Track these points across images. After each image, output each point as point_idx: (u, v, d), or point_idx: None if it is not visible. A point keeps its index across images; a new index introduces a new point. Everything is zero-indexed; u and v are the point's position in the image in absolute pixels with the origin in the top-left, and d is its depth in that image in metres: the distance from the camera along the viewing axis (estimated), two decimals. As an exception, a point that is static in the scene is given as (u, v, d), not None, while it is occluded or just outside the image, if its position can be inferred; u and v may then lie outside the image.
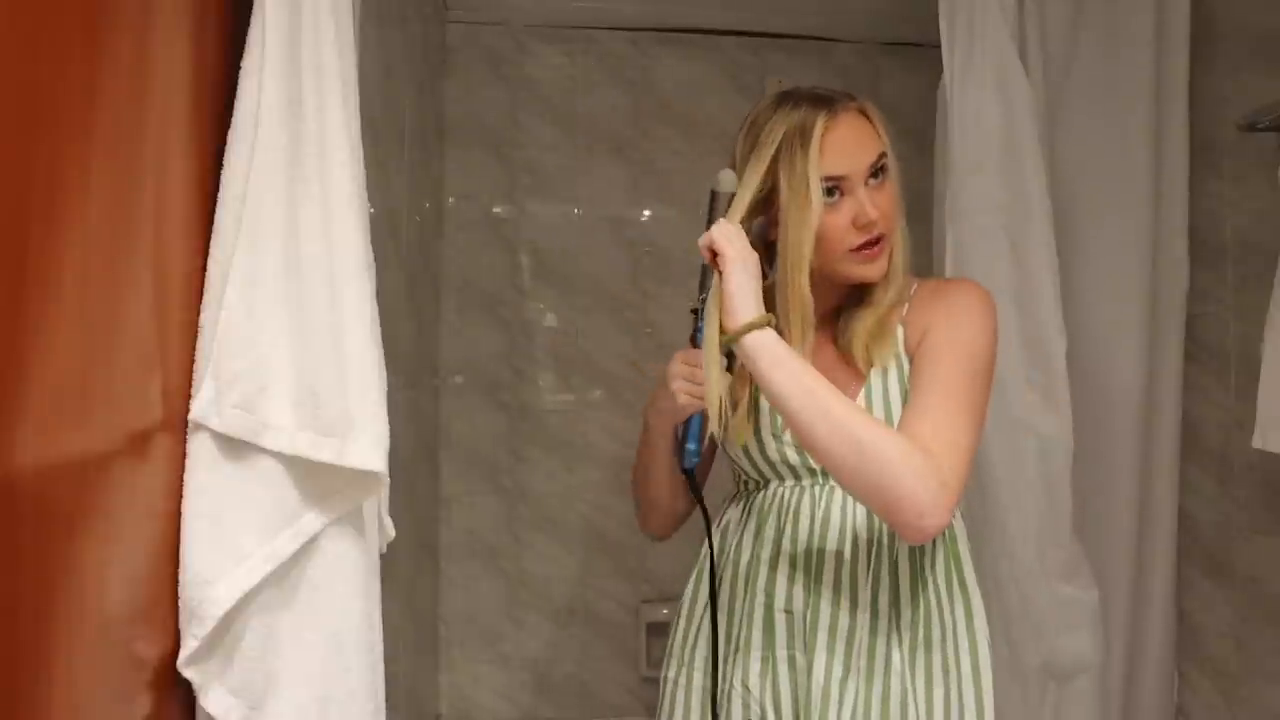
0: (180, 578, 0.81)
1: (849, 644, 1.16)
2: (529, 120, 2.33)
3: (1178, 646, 1.86)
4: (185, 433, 0.83)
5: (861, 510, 1.19)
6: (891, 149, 1.17)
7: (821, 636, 1.17)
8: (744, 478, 1.28)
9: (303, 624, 0.85)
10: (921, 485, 1.02)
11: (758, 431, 1.23)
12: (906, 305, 1.21)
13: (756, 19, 2.33)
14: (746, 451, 1.24)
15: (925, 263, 1.58)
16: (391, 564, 1.29)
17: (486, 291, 2.31)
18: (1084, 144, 1.75)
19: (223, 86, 0.89)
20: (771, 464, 1.22)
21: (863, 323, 1.19)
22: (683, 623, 1.29)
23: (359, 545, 0.90)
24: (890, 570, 1.18)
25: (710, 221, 1.14)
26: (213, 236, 0.85)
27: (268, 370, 0.83)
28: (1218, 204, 1.85)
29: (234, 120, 0.86)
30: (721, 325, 1.09)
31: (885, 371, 1.18)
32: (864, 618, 1.17)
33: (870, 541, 1.18)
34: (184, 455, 0.83)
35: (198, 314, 0.85)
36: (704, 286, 1.15)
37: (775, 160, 1.13)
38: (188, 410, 0.83)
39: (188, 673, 0.82)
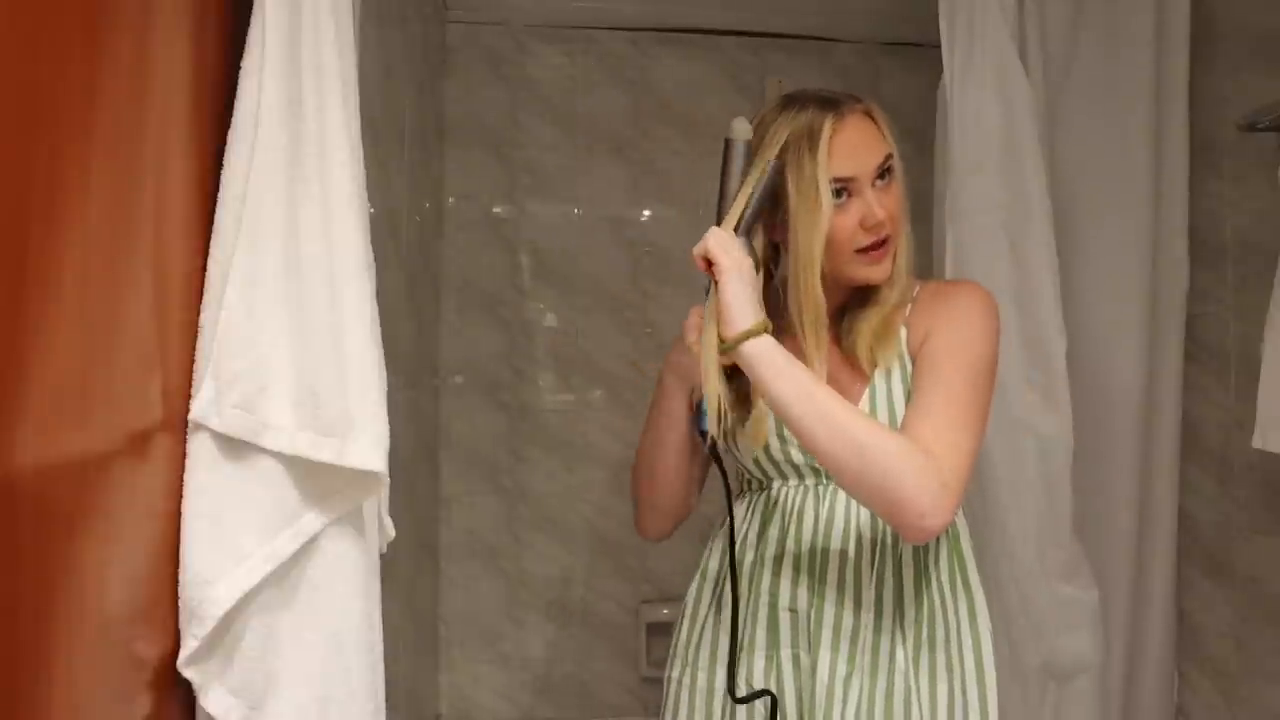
0: (180, 578, 0.81)
1: (853, 643, 1.17)
2: (529, 120, 2.33)
3: (1178, 646, 1.86)
4: (185, 433, 0.83)
5: (865, 510, 1.19)
6: (897, 150, 1.17)
7: (826, 635, 1.17)
8: (748, 478, 1.28)
9: (303, 624, 0.85)
10: (922, 487, 1.03)
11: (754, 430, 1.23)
12: (909, 306, 1.22)
13: (756, 19, 2.33)
14: (751, 452, 1.23)
15: (925, 263, 1.58)
16: (391, 564, 1.29)
17: (486, 291, 2.31)
18: (1084, 144, 1.75)
19: (223, 86, 0.89)
20: (776, 464, 1.22)
21: (867, 324, 1.19)
22: (686, 622, 1.29)
23: (359, 545, 0.90)
24: (894, 569, 1.18)
25: (725, 171, 1.13)
26: (213, 236, 0.85)
27: (268, 370, 0.83)
28: (1218, 204, 1.85)
29: (234, 120, 0.86)
30: (720, 333, 1.09)
31: (889, 373, 1.18)
32: (868, 616, 1.17)
33: (874, 540, 1.18)
34: (184, 455, 0.83)
35: (198, 314, 0.85)
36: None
37: (782, 163, 1.13)
38: (188, 410, 0.83)
39: (188, 673, 0.82)
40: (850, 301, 1.22)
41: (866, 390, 1.19)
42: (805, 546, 1.20)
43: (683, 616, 1.30)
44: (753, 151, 1.13)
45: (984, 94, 1.58)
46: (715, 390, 1.11)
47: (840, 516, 1.19)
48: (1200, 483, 1.87)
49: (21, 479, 0.60)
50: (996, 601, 1.54)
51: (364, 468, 0.85)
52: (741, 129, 1.13)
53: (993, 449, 1.56)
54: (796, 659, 1.18)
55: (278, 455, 0.84)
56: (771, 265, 1.19)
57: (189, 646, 0.80)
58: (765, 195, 1.13)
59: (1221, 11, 1.84)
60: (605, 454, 2.31)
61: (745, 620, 1.21)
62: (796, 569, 1.20)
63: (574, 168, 2.34)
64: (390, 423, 0.89)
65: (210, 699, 0.82)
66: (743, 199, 1.12)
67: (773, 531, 1.22)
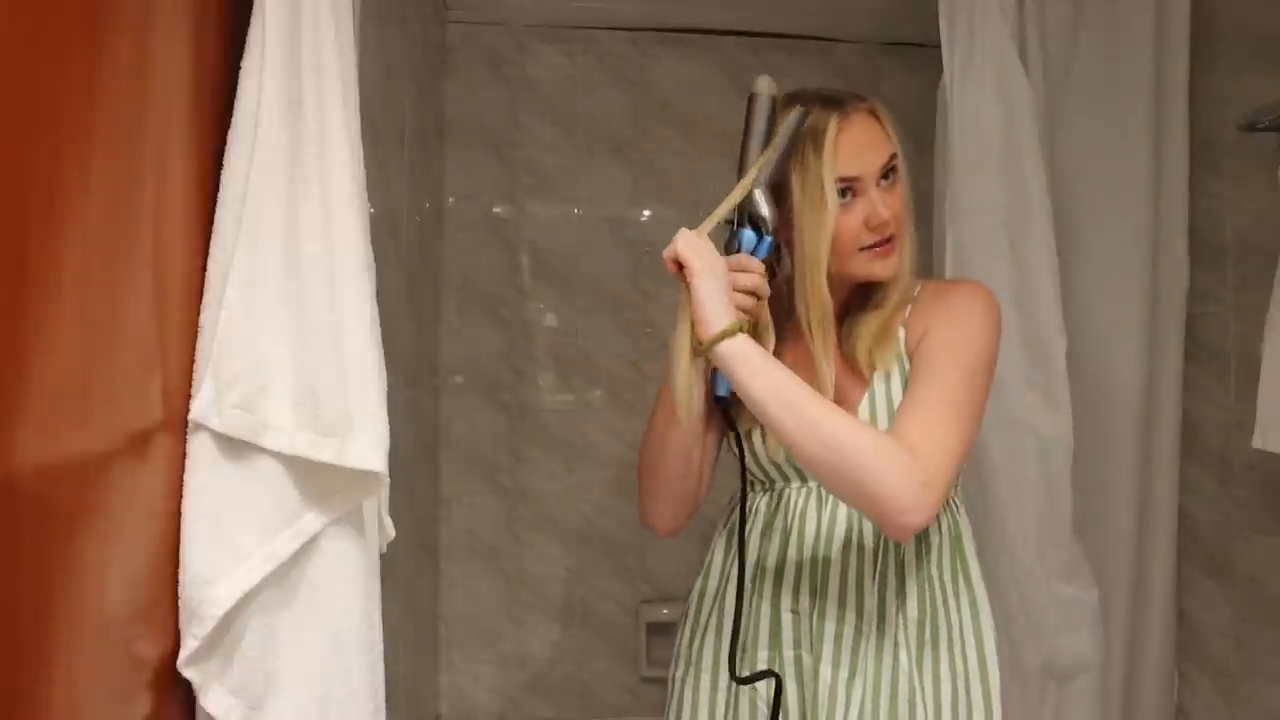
0: (180, 578, 0.81)
1: (856, 644, 1.16)
2: (529, 120, 2.33)
3: (1178, 646, 1.86)
4: (185, 433, 0.83)
5: None
6: (902, 150, 1.17)
7: (828, 636, 1.17)
8: (751, 479, 1.28)
9: (303, 624, 0.85)
10: (902, 484, 1.02)
11: (764, 433, 1.22)
12: (910, 307, 1.21)
13: (756, 19, 2.33)
14: (754, 454, 1.23)
15: (925, 263, 1.58)
16: (391, 564, 1.29)
17: (486, 291, 2.31)
18: (1084, 144, 1.75)
19: (223, 86, 0.89)
20: (778, 466, 1.22)
21: (866, 326, 1.19)
22: (690, 622, 1.29)
23: (359, 545, 0.90)
24: (896, 570, 1.18)
25: (748, 129, 1.12)
26: (213, 236, 0.85)
27: (268, 370, 0.83)
28: (1218, 204, 1.85)
29: (234, 120, 0.86)
30: (696, 334, 1.08)
31: (888, 375, 1.18)
32: (871, 618, 1.16)
33: (877, 542, 1.18)
34: (184, 455, 0.83)
35: (198, 314, 0.85)
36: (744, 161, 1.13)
37: (786, 161, 1.13)
38: (188, 410, 0.83)
39: (188, 673, 0.82)
40: (851, 303, 1.21)
41: (866, 394, 1.18)
42: (808, 548, 1.19)
43: (686, 616, 1.30)
44: (775, 110, 1.13)
45: (984, 94, 1.58)
46: (685, 380, 1.11)
47: (843, 518, 1.19)
48: (1200, 483, 1.87)
49: (21, 479, 0.60)
50: (997, 601, 1.53)
51: (364, 468, 0.85)
52: (766, 84, 1.13)
53: (993, 449, 1.56)
54: (799, 660, 1.18)
55: (278, 455, 0.84)
56: (775, 265, 1.19)
57: (189, 646, 0.80)
58: (786, 153, 1.12)
59: (1221, 11, 1.84)
60: (605, 454, 2.31)
61: (747, 621, 1.21)
62: (799, 570, 1.19)
63: (574, 168, 2.34)
64: (390, 423, 0.89)
65: (210, 699, 0.82)
66: (765, 155, 1.11)
67: (776, 533, 1.22)
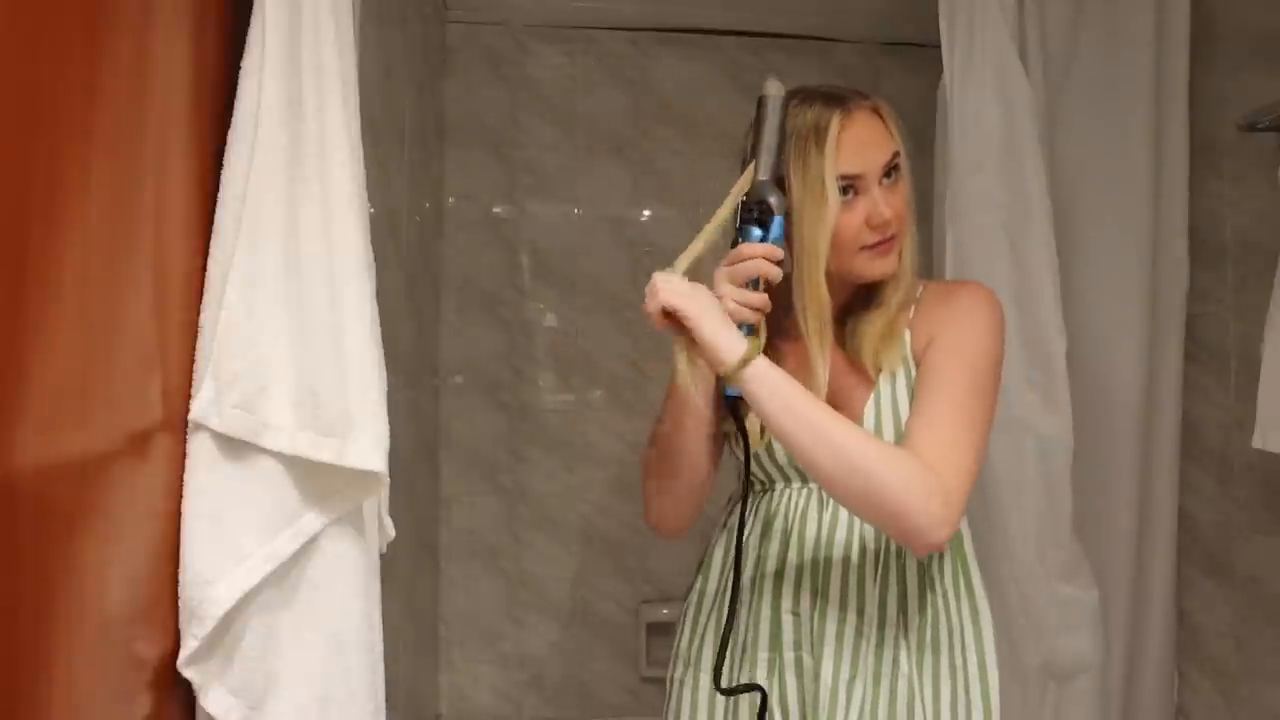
0: (180, 578, 0.81)
1: (856, 646, 1.16)
2: (529, 120, 2.33)
3: (1178, 646, 1.86)
4: (185, 433, 0.83)
5: None
6: (904, 149, 1.16)
7: (829, 638, 1.16)
8: (751, 479, 1.27)
9: (303, 624, 0.85)
10: (924, 504, 1.03)
11: (763, 434, 1.22)
12: (913, 308, 1.21)
13: (756, 19, 2.33)
14: (755, 455, 1.22)
15: (925, 262, 1.57)
16: (391, 564, 1.29)
17: (486, 291, 2.31)
18: (1084, 144, 1.75)
19: (223, 86, 0.89)
20: (779, 466, 1.22)
21: (871, 326, 1.18)
22: (689, 623, 1.29)
23: (359, 545, 0.90)
24: (897, 572, 1.18)
25: (759, 130, 1.10)
26: (213, 236, 0.85)
27: (268, 370, 0.83)
28: (1218, 204, 1.85)
29: (234, 120, 0.86)
30: (715, 372, 1.06)
31: (894, 376, 1.18)
32: (871, 619, 1.16)
33: (877, 544, 1.18)
34: (184, 455, 0.83)
35: (198, 314, 0.85)
36: (755, 148, 1.11)
37: (787, 158, 1.12)
38: (188, 410, 0.83)
39: (188, 673, 0.82)
40: (854, 304, 1.21)
41: (871, 395, 1.18)
42: (808, 549, 1.19)
43: (684, 616, 1.30)
44: (786, 110, 1.11)
45: (984, 94, 1.58)
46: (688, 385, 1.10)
47: (844, 520, 1.19)
48: (1200, 483, 1.87)
49: (21, 479, 0.60)
50: (997, 602, 1.54)
51: (364, 468, 0.85)
52: (776, 86, 1.11)
53: (993, 449, 1.55)
54: (799, 662, 1.18)
55: (278, 455, 0.84)
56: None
57: (189, 646, 0.80)
58: (779, 143, 1.10)
59: (1221, 11, 1.84)
60: (605, 454, 2.31)
61: (747, 622, 1.21)
62: (799, 571, 1.19)
63: (574, 168, 2.34)
64: (390, 423, 0.89)
65: (210, 699, 0.82)
66: (759, 150, 1.10)
67: (776, 534, 1.21)
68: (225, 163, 0.86)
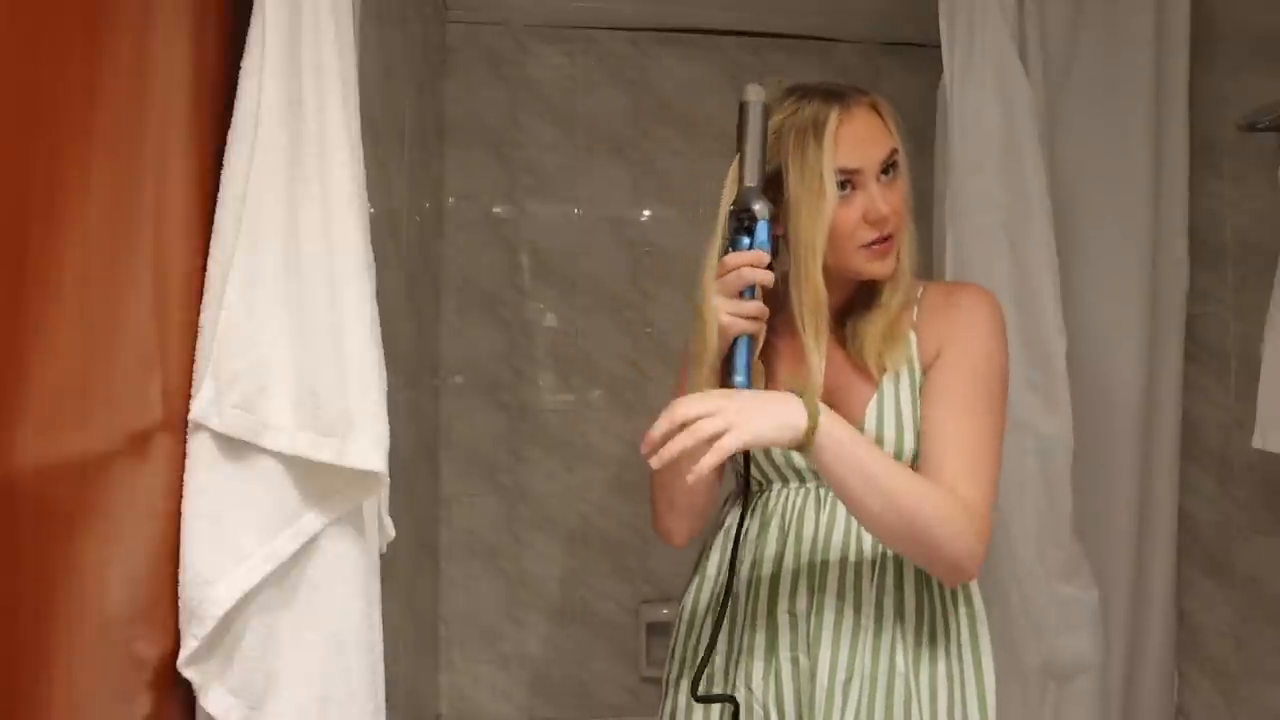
0: (180, 578, 0.81)
1: (853, 646, 1.16)
2: (529, 120, 2.33)
3: (1178, 646, 1.86)
4: (185, 433, 0.83)
5: None
6: (903, 147, 1.16)
7: (825, 638, 1.16)
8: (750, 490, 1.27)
9: (303, 624, 0.85)
10: (964, 545, 1.06)
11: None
12: (916, 308, 1.21)
13: (756, 19, 2.33)
14: (752, 454, 1.23)
15: (925, 262, 1.57)
16: (391, 564, 1.29)
17: (486, 291, 2.31)
18: (1084, 144, 1.75)
19: (223, 86, 0.89)
20: (776, 466, 1.22)
21: (873, 326, 1.18)
22: (684, 625, 1.28)
23: (359, 545, 0.90)
24: (894, 572, 1.18)
25: (741, 136, 1.10)
26: (213, 236, 0.85)
27: (268, 370, 0.83)
28: (1218, 204, 1.85)
29: (234, 120, 0.86)
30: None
31: (897, 377, 1.17)
32: (868, 620, 1.16)
33: (874, 544, 1.18)
34: (184, 455, 0.83)
35: (198, 314, 0.85)
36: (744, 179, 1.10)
37: (785, 153, 1.12)
38: (188, 410, 0.83)
39: (188, 673, 0.82)
40: (854, 303, 1.21)
41: (874, 395, 1.18)
42: (805, 549, 1.19)
43: (680, 618, 1.30)
44: (768, 115, 1.11)
45: (984, 94, 1.58)
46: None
47: (841, 520, 1.19)
48: (1200, 483, 1.87)
49: (21, 479, 0.60)
50: (997, 602, 1.54)
51: (364, 468, 0.85)
52: (756, 91, 1.11)
53: (993, 449, 1.56)
54: (796, 662, 1.18)
55: (278, 455, 0.84)
56: (772, 259, 1.18)
57: (189, 646, 0.80)
58: (763, 146, 1.10)
59: (1221, 11, 1.84)
60: (605, 454, 2.31)
61: (744, 623, 1.21)
62: (796, 571, 1.19)
63: (574, 168, 2.34)
64: (390, 423, 0.89)
65: (210, 699, 0.82)
66: (755, 160, 1.09)
67: (773, 534, 1.21)
68: (225, 163, 0.86)
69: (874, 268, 1.15)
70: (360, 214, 0.89)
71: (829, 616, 1.17)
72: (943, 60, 1.60)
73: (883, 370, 1.18)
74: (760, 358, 1.14)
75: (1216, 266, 1.85)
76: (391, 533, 1.04)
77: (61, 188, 0.64)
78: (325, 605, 0.87)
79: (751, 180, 1.09)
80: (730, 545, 1.19)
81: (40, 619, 0.63)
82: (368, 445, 0.85)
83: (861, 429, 1.14)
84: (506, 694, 2.29)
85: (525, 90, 2.33)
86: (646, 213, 2.36)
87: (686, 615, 1.29)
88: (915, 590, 1.18)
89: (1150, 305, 1.77)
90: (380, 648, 0.94)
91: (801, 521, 1.20)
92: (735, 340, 1.10)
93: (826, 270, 1.13)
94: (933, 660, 1.16)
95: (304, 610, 0.85)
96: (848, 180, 1.12)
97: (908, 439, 1.15)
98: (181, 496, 0.82)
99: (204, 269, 0.86)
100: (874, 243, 1.14)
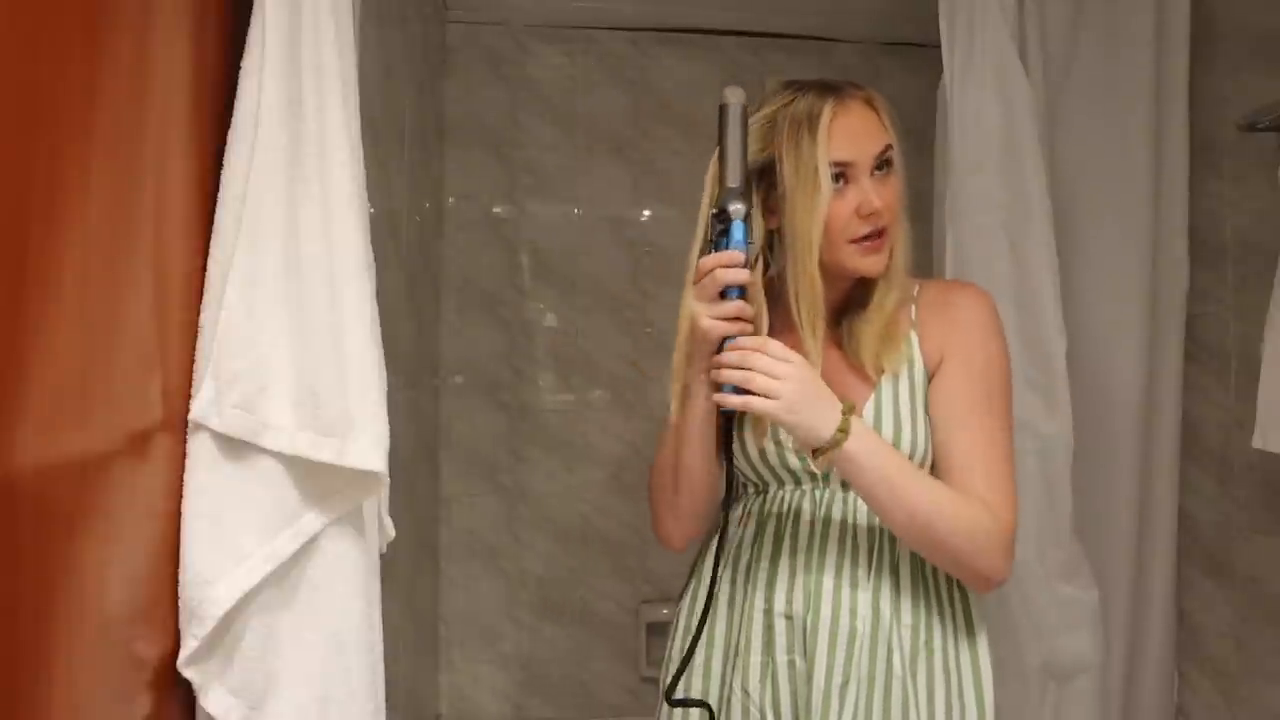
0: (180, 578, 0.81)
1: (849, 649, 1.15)
2: (529, 120, 2.33)
3: (1178, 646, 1.86)
4: (185, 433, 0.83)
5: (863, 514, 1.18)
6: (899, 144, 1.16)
7: (822, 641, 1.16)
8: (743, 481, 1.27)
9: (303, 624, 0.85)
10: (994, 555, 1.11)
11: (756, 436, 1.22)
12: (913, 307, 1.21)
13: (756, 19, 2.33)
14: (747, 456, 1.23)
15: (925, 262, 1.58)
16: (391, 564, 1.29)
17: (486, 291, 2.31)
18: (1084, 144, 1.75)
19: (223, 86, 0.89)
20: (771, 469, 1.22)
21: (870, 326, 1.18)
22: (681, 627, 1.28)
23: (359, 545, 0.90)
24: (891, 574, 1.18)
25: (721, 138, 1.10)
26: (213, 236, 0.85)
27: (268, 370, 0.83)
28: (1218, 204, 1.85)
29: (234, 120, 0.86)
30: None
31: (896, 377, 1.17)
32: (864, 623, 1.16)
33: (871, 546, 1.18)
34: (184, 455, 0.83)
35: (198, 314, 0.85)
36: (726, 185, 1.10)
37: (779, 145, 1.12)
38: (188, 410, 0.83)
39: (188, 673, 0.82)
40: (850, 303, 1.21)
41: (871, 395, 1.18)
42: (801, 552, 1.19)
43: (677, 619, 1.29)
44: (748, 115, 1.10)
45: (984, 94, 1.58)
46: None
47: (836, 522, 1.19)
48: (1200, 483, 1.87)
49: (21, 479, 0.60)
50: (997, 602, 1.54)
51: (364, 468, 0.85)
52: (736, 93, 1.09)
53: (993, 449, 1.56)
54: (792, 665, 1.17)
55: (278, 455, 0.84)
56: (768, 255, 1.18)
57: (189, 646, 0.80)
58: (744, 148, 1.09)
59: (1221, 11, 1.84)
60: (605, 454, 2.31)
61: (740, 625, 1.20)
62: (792, 574, 1.18)
63: (574, 168, 2.34)
64: (390, 423, 0.89)
65: (210, 699, 0.82)
66: (735, 160, 1.09)
67: (768, 536, 1.21)
68: (225, 163, 0.86)
69: (865, 263, 1.15)
70: (360, 214, 0.89)
71: (825, 619, 1.16)
72: (943, 60, 1.60)
73: (880, 371, 1.17)
74: None
75: (1216, 266, 1.85)
76: (391, 533, 1.04)
77: (61, 188, 0.64)
78: (325, 605, 0.86)
79: (732, 181, 1.09)
80: (716, 549, 1.18)
81: (40, 619, 0.63)
82: (368, 445, 0.85)
83: None
84: (506, 694, 2.29)
85: (525, 90, 2.33)
86: (646, 213, 2.36)
87: (682, 618, 1.28)
88: (911, 591, 1.18)
89: (1150, 305, 1.77)
90: (380, 648, 0.94)
91: (797, 524, 1.20)
92: (723, 341, 1.09)
93: (821, 266, 1.13)
94: (930, 661, 1.16)
95: (304, 610, 0.85)
96: (841, 173, 1.12)
97: (905, 440, 1.15)
98: (181, 496, 0.82)
99: (204, 269, 0.86)
100: (865, 237, 1.13)
